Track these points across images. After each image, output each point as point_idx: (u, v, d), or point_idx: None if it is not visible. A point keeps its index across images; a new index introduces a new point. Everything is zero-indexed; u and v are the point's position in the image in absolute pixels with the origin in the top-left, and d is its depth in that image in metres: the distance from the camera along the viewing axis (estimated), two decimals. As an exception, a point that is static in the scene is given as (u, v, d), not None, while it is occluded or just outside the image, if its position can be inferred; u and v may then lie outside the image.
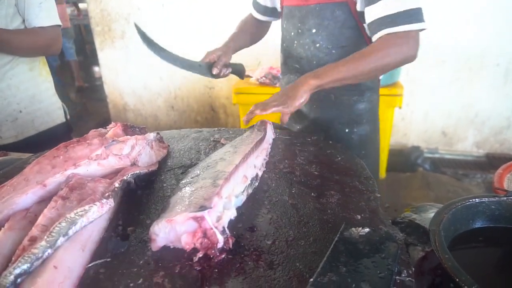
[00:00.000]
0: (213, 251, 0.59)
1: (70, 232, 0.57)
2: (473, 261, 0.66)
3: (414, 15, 0.96)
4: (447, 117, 3.00)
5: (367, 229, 0.61)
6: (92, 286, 0.55)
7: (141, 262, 0.59)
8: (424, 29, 0.98)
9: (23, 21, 1.37)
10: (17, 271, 0.51)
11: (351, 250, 0.57)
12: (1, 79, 1.38)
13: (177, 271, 0.57)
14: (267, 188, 0.79)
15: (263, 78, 2.56)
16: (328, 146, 0.98)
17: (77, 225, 0.57)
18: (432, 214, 0.86)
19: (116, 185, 0.67)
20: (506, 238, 0.69)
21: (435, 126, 3.06)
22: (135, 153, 0.79)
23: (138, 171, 0.75)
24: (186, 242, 0.59)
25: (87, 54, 6.58)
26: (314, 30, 1.17)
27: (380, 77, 1.28)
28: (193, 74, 3.72)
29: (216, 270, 0.57)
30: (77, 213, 0.58)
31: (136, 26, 1.25)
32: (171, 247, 0.61)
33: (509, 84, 2.80)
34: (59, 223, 0.56)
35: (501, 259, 0.69)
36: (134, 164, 0.79)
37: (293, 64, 1.30)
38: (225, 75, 1.30)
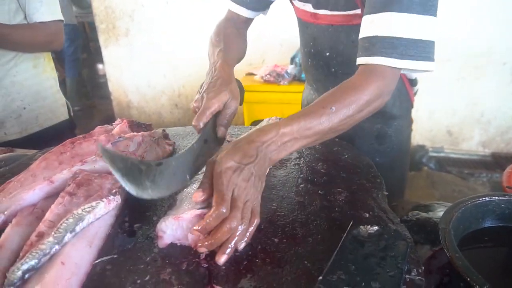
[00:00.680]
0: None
1: (77, 228, 0.57)
2: (482, 261, 0.65)
3: (422, 48, 0.70)
4: (453, 116, 2.98)
5: (376, 227, 0.60)
6: (99, 283, 0.55)
7: (148, 258, 0.59)
8: (429, 71, 0.73)
9: (25, 16, 1.37)
10: (25, 266, 0.51)
11: (360, 248, 0.56)
12: (5, 76, 1.39)
13: (184, 268, 0.56)
14: (274, 186, 0.78)
15: (268, 76, 2.55)
16: (334, 143, 0.97)
17: (84, 222, 0.57)
18: (440, 213, 0.86)
19: (123, 181, 0.66)
20: (516, 238, 0.68)
21: (440, 125, 3.04)
22: (141, 150, 0.79)
23: (144, 168, 0.74)
24: (193, 239, 0.59)
25: (91, 51, 6.58)
26: (327, 53, 1.00)
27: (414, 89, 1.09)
28: (197, 72, 3.71)
29: (224, 268, 0.56)
30: (84, 209, 0.58)
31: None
32: (178, 244, 0.61)
33: (516, 82, 2.78)
34: (66, 219, 0.56)
35: (511, 258, 0.68)
36: (140, 160, 0.78)
37: (311, 81, 1.16)
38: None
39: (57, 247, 0.54)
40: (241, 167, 0.60)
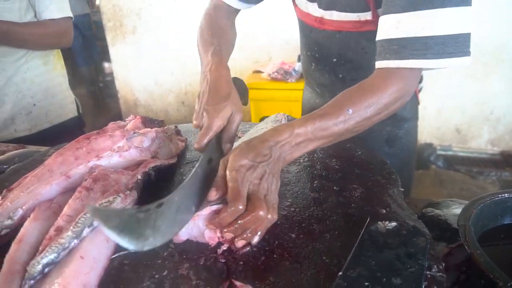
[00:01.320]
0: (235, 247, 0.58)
1: (95, 223, 0.56)
2: (501, 258, 0.64)
3: (462, 42, 0.65)
4: (461, 113, 2.96)
5: (394, 223, 0.60)
6: (117, 277, 0.55)
7: (165, 254, 0.59)
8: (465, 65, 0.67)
9: (35, 15, 1.37)
10: (45, 260, 0.51)
11: (379, 244, 0.56)
12: (16, 73, 1.40)
13: (202, 263, 0.56)
14: (288, 182, 0.78)
15: (275, 73, 2.55)
16: (347, 140, 0.95)
17: (102, 216, 0.57)
18: (455, 210, 0.85)
19: (139, 177, 0.66)
20: (535, 235, 0.67)
21: (449, 123, 3.01)
22: (155, 146, 0.79)
23: (159, 164, 0.74)
24: (210, 236, 0.59)
25: (98, 50, 6.61)
26: (334, 60, 0.96)
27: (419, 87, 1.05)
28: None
29: (241, 263, 0.56)
30: (101, 204, 0.58)
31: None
32: (194, 240, 0.61)
33: (526, 80, 2.75)
34: (84, 214, 0.56)
35: (530, 256, 0.67)
36: (154, 156, 0.78)
37: (314, 85, 1.11)
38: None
39: (75, 241, 0.54)
40: (254, 165, 0.59)
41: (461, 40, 0.66)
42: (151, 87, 3.60)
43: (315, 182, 0.77)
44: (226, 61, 0.82)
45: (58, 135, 1.51)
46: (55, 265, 0.52)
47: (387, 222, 0.60)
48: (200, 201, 0.59)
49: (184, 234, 0.61)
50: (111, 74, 3.75)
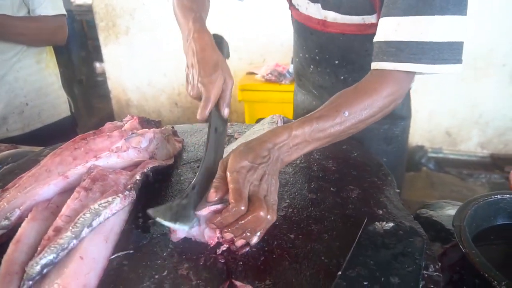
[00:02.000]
0: (235, 246, 0.58)
1: (94, 223, 0.56)
2: (495, 258, 0.65)
3: (456, 50, 0.68)
4: (452, 117, 3.00)
5: (391, 224, 0.61)
6: (116, 277, 0.55)
7: (164, 254, 0.59)
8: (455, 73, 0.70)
9: (29, 11, 1.36)
10: (44, 261, 0.50)
11: (377, 244, 0.57)
12: (9, 72, 1.38)
13: (201, 263, 0.57)
14: (285, 183, 0.78)
15: (269, 75, 2.56)
16: (343, 142, 0.97)
17: (101, 217, 0.57)
18: (448, 211, 0.87)
19: (138, 177, 0.66)
20: (527, 235, 0.69)
21: (440, 126, 3.06)
22: (153, 147, 0.79)
23: (157, 164, 0.74)
24: (209, 236, 0.59)
25: (89, 49, 6.55)
26: (336, 62, 0.97)
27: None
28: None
29: (241, 263, 0.56)
30: (100, 204, 0.58)
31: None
32: (193, 240, 0.61)
33: (515, 84, 2.80)
34: (84, 214, 0.56)
35: (522, 256, 0.69)
36: (152, 157, 0.78)
37: (310, 87, 1.11)
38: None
39: (75, 241, 0.53)
40: (254, 166, 0.60)
41: (455, 47, 0.68)
42: (143, 88, 3.58)
43: (313, 183, 0.78)
44: (204, 23, 0.83)
45: (50, 135, 1.49)
46: (54, 266, 0.51)
47: (384, 222, 0.61)
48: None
49: (182, 232, 0.61)
50: (103, 74, 3.72)
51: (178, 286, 0.53)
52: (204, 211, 0.59)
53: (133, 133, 0.75)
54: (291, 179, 0.80)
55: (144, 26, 3.32)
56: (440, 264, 0.58)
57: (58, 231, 0.55)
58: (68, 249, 0.53)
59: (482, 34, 2.68)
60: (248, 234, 0.57)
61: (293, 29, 1.10)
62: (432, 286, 0.52)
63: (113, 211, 0.59)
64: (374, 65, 0.74)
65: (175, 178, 0.81)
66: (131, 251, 0.59)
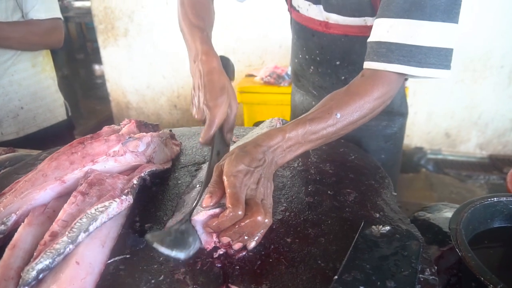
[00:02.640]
0: (232, 250, 0.59)
1: (91, 228, 0.56)
2: (491, 261, 0.66)
3: (444, 56, 0.69)
4: (451, 118, 3.01)
5: (388, 227, 0.61)
6: (113, 282, 0.54)
7: (161, 258, 0.59)
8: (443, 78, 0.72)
9: (23, 15, 1.36)
10: (40, 266, 0.50)
11: (373, 248, 0.57)
12: (3, 75, 1.38)
13: (198, 267, 0.57)
14: (283, 186, 0.78)
15: (268, 77, 2.56)
16: (340, 144, 0.98)
17: (97, 221, 0.57)
18: (446, 214, 0.87)
19: (135, 181, 0.66)
20: (524, 238, 0.69)
21: (439, 127, 3.06)
22: (150, 151, 0.79)
23: (154, 168, 0.74)
24: (206, 241, 0.59)
25: (88, 52, 6.57)
26: (338, 63, 0.99)
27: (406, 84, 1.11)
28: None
29: (238, 267, 0.56)
30: (97, 209, 0.58)
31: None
32: (190, 244, 0.61)
33: (513, 86, 2.81)
34: (80, 219, 0.56)
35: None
36: (149, 161, 0.78)
37: (309, 88, 1.12)
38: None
39: (71, 246, 0.53)
40: (250, 170, 0.60)
41: (443, 53, 0.69)
42: (143, 90, 3.58)
43: (310, 186, 0.78)
44: (210, 43, 0.83)
45: (46, 139, 1.49)
46: (50, 271, 0.51)
47: (381, 226, 0.61)
48: None
49: None
50: (102, 76, 3.72)
51: (174, 290, 0.52)
52: (201, 216, 0.59)
53: (130, 137, 0.75)
54: (289, 182, 0.80)
55: (143, 29, 3.32)
56: (436, 267, 0.58)
57: (55, 236, 0.55)
58: (64, 254, 0.53)
59: (480, 35, 2.69)
60: (246, 238, 0.57)
61: (291, 30, 1.11)
62: (428, 290, 0.52)
63: (110, 216, 0.59)
64: (366, 64, 0.75)
65: (173, 181, 0.81)
66: (127, 256, 0.59)
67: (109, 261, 0.58)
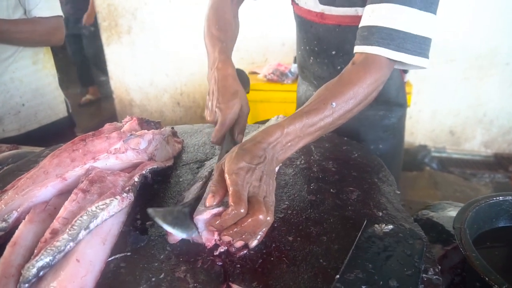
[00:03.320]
0: (233, 248, 0.58)
1: (92, 226, 0.56)
2: (496, 260, 0.65)
3: (418, 44, 0.72)
4: (455, 116, 2.98)
5: (390, 226, 0.60)
6: (113, 280, 0.54)
7: (162, 256, 0.58)
8: (423, 68, 0.76)
9: (25, 12, 1.36)
10: (40, 263, 0.50)
11: (376, 247, 0.56)
12: (4, 72, 1.38)
13: (199, 266, 0.56)
14: (285, 184, 0.78)
15: (271, 74, 2.55)
16: (343, 142, 0.97)
17: (98, 219, 0.57)
18: (450, 213, 0.86)
19: (136, 179, 0.66)
20: (530, 238, 0.68)
21: (443, 125, 3.04)
22: (152, 148, 0.79)
23: (155, 166, 0.74)
24: (207, 238, 0.59)
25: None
26: (333, 52, 1.02)
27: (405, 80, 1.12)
28: (200, 70, 3.70)
29: (239, 266, 0.56)
30: (98, 206, 0.58)
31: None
32: (191, 241, 0.61)
33: (518, 83, 2.78)
34: (81, 216, 0.56)
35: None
36: (151, 158, 0.78)
37: (311, 79, 1.16)
38: None
39: (71, 244, 0.53)
40: (252, 167, 0.59)
41: (418, 41, 0.72)
42: (146, 88, 3.58)
43: (312, 184, 0.77)
44: (230, 56, 0.89)
45: (47, 135, 1.50)
46: (50, 269, 0.51)
47: (384, 225, 0.61)
48: None
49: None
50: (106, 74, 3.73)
51: (175, 289, 0.52)
52: (205, 215, 0.58)
53: (131, 135, 0.75)
54: (291, 180, 0.79)
55: (146, 26, 3.32)
56: (440, 267, 0.57)
57: (55, 233, 0.55)
58: (64, 251, 0.52)
59: (485, 32, 2.66)
60: (248, 236, 0.57)
61: (295, 24, 1.15)
62: (431, 290, 0.51)
63: (111, 213, 0.59)
64: (355, 49, 0.78)
65: (174, 179, 0.81)
66: (128, 253, 0.59)
67: (110, 259, 0.58)
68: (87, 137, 0.74)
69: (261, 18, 2.92)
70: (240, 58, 3.02)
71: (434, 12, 0.73)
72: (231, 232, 0.55)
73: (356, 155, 0.90)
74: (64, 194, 0.65)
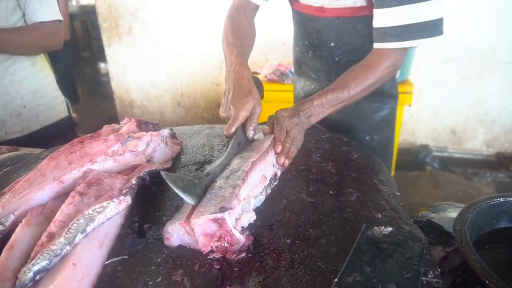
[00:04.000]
0: (230, 254, 0.57)
1: (88, 229, 0.56)
2: (497, 262, 0.64)
3: (431, 27, 0.86)
4: (457, 115, 2.97)
5: (390, 228, 0.60)
6: (110, 284, 0.54)
7: (159, 259, 0.58)
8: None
9: (23, 15, 1.36)
10: (36, 267, 0.50)
11: (375, 249, 0.56)
12: (4, 75, 1.38)
13: (196, 269, 0.56)
14: (284, 186, 0.77)
15: (272, 74, 2.54)
16: (343, 143, 0.97)
17: (95, 222, 0.57)
18: (451, 214, 0.85)
19: (133, 181, 0.66)
20: (531, 239, 0.67)
21: (444, 124, 3.02)
22: (150, 150, 0.78)
23: (153, 168, 0.74)
24: (203, 244, 0.58)
25: (94, 50, 6.59)
26: (332, 44, 1.09)
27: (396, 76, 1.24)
28: (200, 71, 3.69)
29: (236, 269, 0.55)
30: (95, 209, 0.57)
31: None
32: (188, 247, 0.60)
33: (520, 82, 2.76)
34: (77, 220, 0.55)
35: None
36: (149, 160, 0.78)
37: (309, 72, 1.23)
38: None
39: (68, 247, 0.53)
40: (291, 117, 0.86)
41: (427, 25, 0.86)
42: (147, 88, 3.58)
43: (311, 186, 0.77)
44: (247, 61, 0.98)
45: (50, 136, 1.50)
46: (47, 272, 0.51)
47: (383, 227, 0.60)
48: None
49: (176, 240, 0.60)
50: (107, 74, 3.72)
51: (172, 292, 0.52)
52: (202, 220, 0.58)
53: (129, 137, 0.74)
54: (290, 182, 0.79)
55: (147, 26, 3.32)
56: (440, 269, 0.56)
57: (52, 237, 0.54)
58: (61, 255, 0.52)
59: (485, 31, 2.65)
60: (293, 149, 0.82)
61: (293, 22, 1.22)
62: (431, 293, 0.50)
63: (108, 216, 0.59)
64: (380, 45, 0.92)
65: (173, 181, 0.80)
66: (125, 257, 0.59)
67: (107, 262, 0.57)
68: (85, 139, 0.74)
69: (262, 18, 2.91)
70: (241, 58, 3.01)
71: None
72: (283, 148, 0.80)
73: (355, 156, 0.90)
74: (61, 197, 0.64)
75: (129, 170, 0.74)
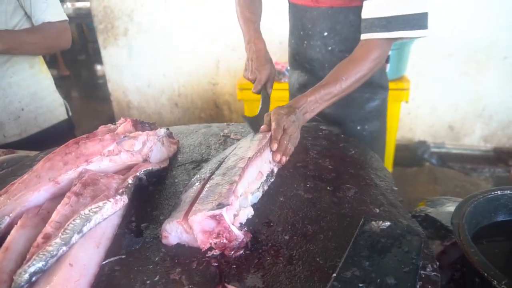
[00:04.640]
0: (228, 250, 0.57)
1: (85, 229, 0.55)
2: (495, 255, 0.64)
3: (415, 20, 0.91)
4: (454, 111, 2.97)
5: (387, 223, 0.59)
6: (108, 284, 0.54)
7: (156, 258, 0.58)
8: (423, 37, 0.94)
9: (24, 16, 1.36)
10: (32, 269, 0.50)
11: (373, 244, 0.55)
12: (2, 77, 1.37)
13: (194, 267, 0.56)
14: (281, 183, 0.77)
15: (268, 73, 2.54)
16: (340, 139, 0.97)
17: (91, 222, 0.56)
18: (449, 208, 0.85)
19: (130, 181, 0.65)
20: (529, 231, 0.67)
21: (442, 120, 3.02)
22: (146, 149, 0.78)
23: (150, 168, 0.73)
24: (202, 241, 0.58)
25: (90, 52, 6.57)
26: (325, 34, 1.14)
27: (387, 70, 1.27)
28: (197, 70, 3.67)
29: (234, 266, 0.55)
30: (91, 209, 0.57)
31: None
32: (186, 246, 0.60)
33: (517, 77, 2.76)
34: (73, 220, 0.55)
35: (524, 252, 0.67)
36: (145, 160, 0.77)
37: (303, 63, 1.27)
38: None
39: (64, 248, 0.52)
40: (288, 113, 0.88)
41: (412, 18, 0.90)
42: (144, 89, 3.57)
43: (309, 183, 0.76)
44: (259, 31, 1.18)
45: (48, 139, 1.48)
46: (43, 274, 0.50)
47: (381, 221, 0.60)
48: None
49: (174, 238, 0.60)
50: (104, 76, 3.71)
51: (170, 291, 0.51)
52: (200, 217, 0.58)
53: (125, 136, 0.74)
54: (288, 179, 0.78)
55: (143, 27, 3.31)
56: (438, 263, 0.56)
57: (48, 238, 0.54)
58: (57, 256, 0.52)
59: (482, 26, 2.65)
60: (290, 146, 0.83)
61: (289, 16, 1.28)
62: (429, 287, 0.50)
63: (104, 216, 0.58)
64: (367, 35, 0.96)
65: (170, 180, 0.80)
66: (123, 256, 0.58)
67: (104, 262, 0.57)
68: (81, 139, 0.74)
69: (257, 17, 2.91)
70: (238, 58, 3.01)
71: None
72: (280, 146, 0.81)
73: (352, 152, 0.90)
74: (57, 198, 0.64)
75: (125, 170, 0.74)
